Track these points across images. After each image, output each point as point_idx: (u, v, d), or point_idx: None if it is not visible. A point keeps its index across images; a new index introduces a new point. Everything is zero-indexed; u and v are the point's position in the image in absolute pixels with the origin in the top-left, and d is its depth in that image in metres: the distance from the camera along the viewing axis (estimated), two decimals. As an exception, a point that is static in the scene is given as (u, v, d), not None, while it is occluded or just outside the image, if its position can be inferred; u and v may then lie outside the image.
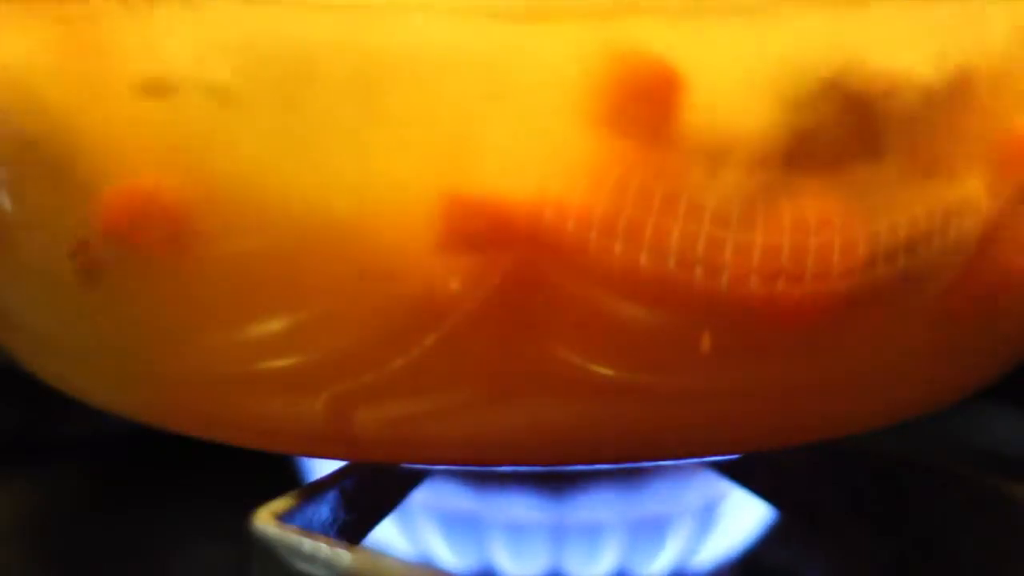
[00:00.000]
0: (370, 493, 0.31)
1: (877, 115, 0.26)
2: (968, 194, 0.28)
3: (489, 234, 0.25)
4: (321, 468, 0.31)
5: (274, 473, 0.34)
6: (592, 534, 0.33)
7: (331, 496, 0.29)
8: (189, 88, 0.26)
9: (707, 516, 0.34)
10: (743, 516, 0.35)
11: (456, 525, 0.34)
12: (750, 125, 0.25)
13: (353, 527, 0.30)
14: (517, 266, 0.26)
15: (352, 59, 0.25)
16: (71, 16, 0.26)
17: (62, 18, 0.27)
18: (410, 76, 0.25)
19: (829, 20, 0.25)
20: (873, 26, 0.26)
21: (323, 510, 0.29)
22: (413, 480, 0.32)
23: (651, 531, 0.34)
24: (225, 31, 0.25)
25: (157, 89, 0.26)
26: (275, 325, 0.27)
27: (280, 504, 0.28)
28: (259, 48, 0.25)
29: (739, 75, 0.25)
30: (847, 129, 0.26)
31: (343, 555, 0.26)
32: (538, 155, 0.25)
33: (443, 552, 0.34)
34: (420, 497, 0.33)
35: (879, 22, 0.26)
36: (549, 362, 0.27)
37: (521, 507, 0.33)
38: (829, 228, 0.26)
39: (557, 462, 0.29)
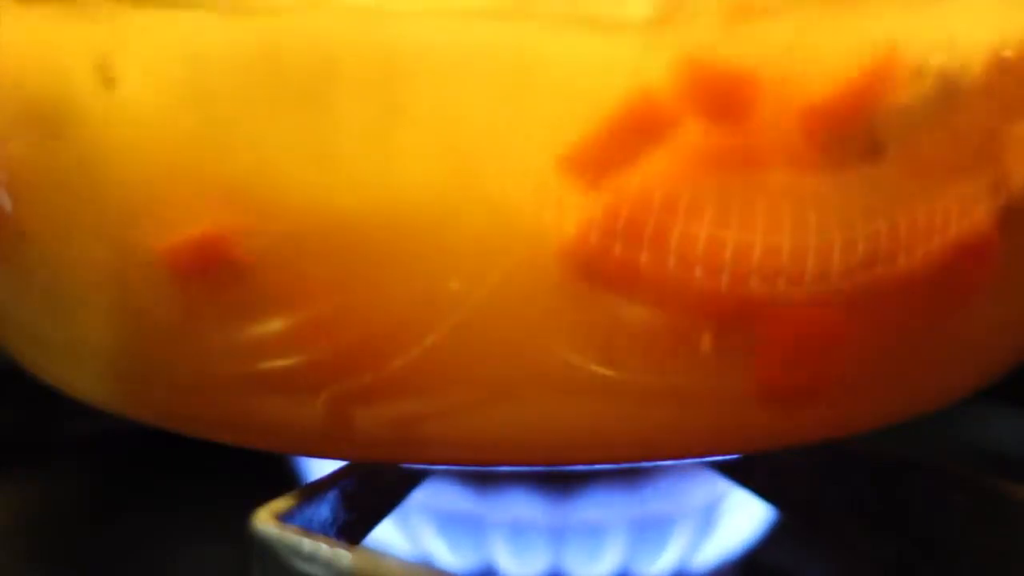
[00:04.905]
0: (370, 493, 0.31)
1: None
2: (968, 194, 0.28)
3: (491, 233, 0.26)
4: (321, 468, 0.31)
5: (274, 473, 0.34)
6: (593, 534, 0.33)
7: (331, 496, 0.29)
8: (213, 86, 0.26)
9: (707, 516, 0.34)
10: (743, 516, 0.35)
11: (456, 525, 0.34)
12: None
13: (353, 527, 0.30)
14: (517, 266, 0.26)
15: (372, 60, 0.25)
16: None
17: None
18: (430, 77, 0.25)
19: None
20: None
21: (323, 510, 0.29)
22: (413, 480, 0.32)
23: (652, 531, 0.34)
24: (246, 33, 0.25)
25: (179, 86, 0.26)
26: (276, 325, 0.27)
27: (280, 504, 0.28)
28: (281, 50, 0.25)
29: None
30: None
31: (343, 555, 0.26)
32: (551, 156, 0.25)
33: (443, 552, 0.34)
34: (420, 497, 0.33)
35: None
36: (549, 362, 0.27)
37: (522, 507, 0.33)
38: (829, 228, 0.26)
39: (557, 462, 0.29)
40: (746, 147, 0.26)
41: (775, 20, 0.25)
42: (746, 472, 0.34)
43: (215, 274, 0.27)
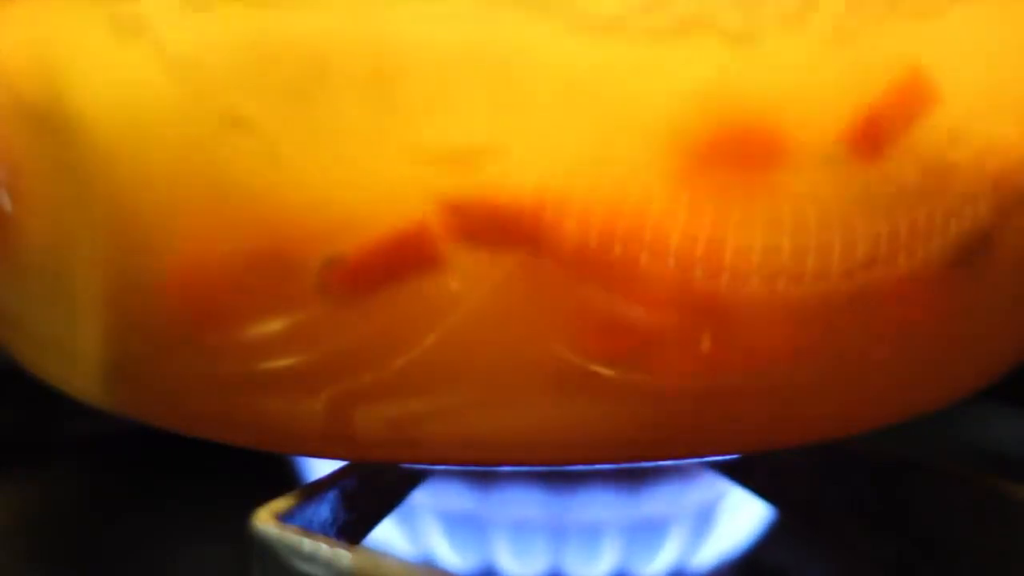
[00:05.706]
0: (370, 493, 0.31)
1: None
2: (968, 196, 0.28)
3: (493, 234, 0.26)
4: (321, 468, 0.31)
5: (274, 473, 0.34)
6: (592, 534, 0.33)
7: (331, 496, 0.29)
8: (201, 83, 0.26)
9: (707, 516, 0.34)
10: (743, 516, 0.35)
11: (457, 525, 0.34)
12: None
13: (353, 527, 0.30)
14: (519, 266, 0.26)
15: (364, 56, 0.25)
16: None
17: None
18: (422, 73, 0.25)
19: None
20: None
21: (323, 510, 0.29)
22: (413, 480, 0.32)
23: (651, 531, 0.34)
24: (237, 32, 0.25)
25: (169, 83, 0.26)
26: (276, 325, 0.27)
27: (280, 504, 0.28)
28: (271, 48, 0.25)
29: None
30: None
31: (343, 555, 0.26)
32: (545, 154, 0.25)
33: (444, 552, 0.34)
34: (420, 497, 0.33)
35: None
36: (549, 362, 0.27)
37: (522, 507, 0.33)
38: (829, 228, 0.26)
39: (557, 462, 0.29)
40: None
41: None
42: (746, 472, 0.34)
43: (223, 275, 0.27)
